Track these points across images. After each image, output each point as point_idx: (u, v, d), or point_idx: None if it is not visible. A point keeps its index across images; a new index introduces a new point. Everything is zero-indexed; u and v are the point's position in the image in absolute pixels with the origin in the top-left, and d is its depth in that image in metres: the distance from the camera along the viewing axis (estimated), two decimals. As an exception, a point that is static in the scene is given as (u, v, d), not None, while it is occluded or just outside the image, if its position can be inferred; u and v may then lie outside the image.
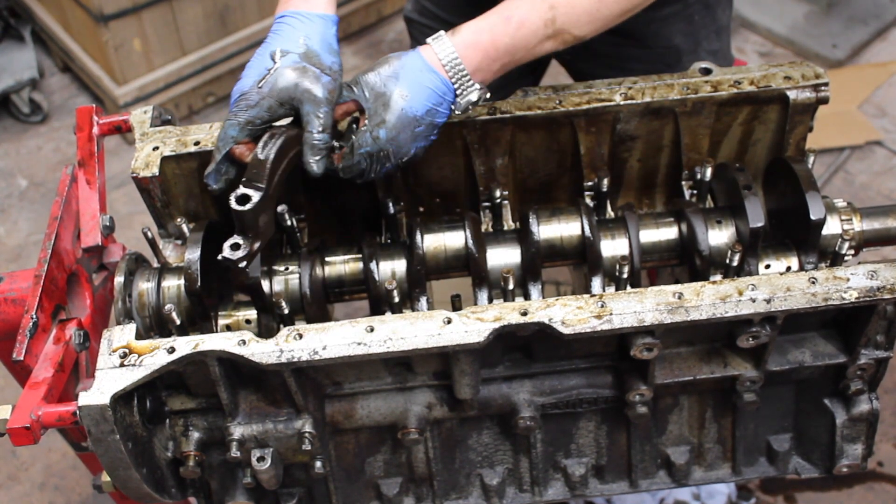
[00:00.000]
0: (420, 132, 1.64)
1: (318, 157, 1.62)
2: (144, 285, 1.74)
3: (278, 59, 1.61)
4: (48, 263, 1.69)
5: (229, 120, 1.63)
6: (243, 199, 1.54)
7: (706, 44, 2.28)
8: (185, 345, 1.52)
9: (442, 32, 1.65)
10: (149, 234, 1.75)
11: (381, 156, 1.63)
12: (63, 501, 3.24)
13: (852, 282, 1.55)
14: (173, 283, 1.75)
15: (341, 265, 1.81)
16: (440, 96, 1.63)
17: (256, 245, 1.56)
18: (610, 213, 1.91)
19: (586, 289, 1.75)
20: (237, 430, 1.61)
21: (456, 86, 1.64)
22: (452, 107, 1.66)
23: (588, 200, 1.89)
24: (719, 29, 2.30)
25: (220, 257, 1.55)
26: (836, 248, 1.71)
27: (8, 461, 3.34)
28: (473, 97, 1.65)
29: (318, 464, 1.66)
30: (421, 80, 1.61)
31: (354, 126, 1.67)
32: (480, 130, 1.85)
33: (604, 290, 1.74)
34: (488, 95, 1.68)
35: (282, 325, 1.67)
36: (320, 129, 1.61)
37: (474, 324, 1.52)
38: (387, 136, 1.62)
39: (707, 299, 1.54)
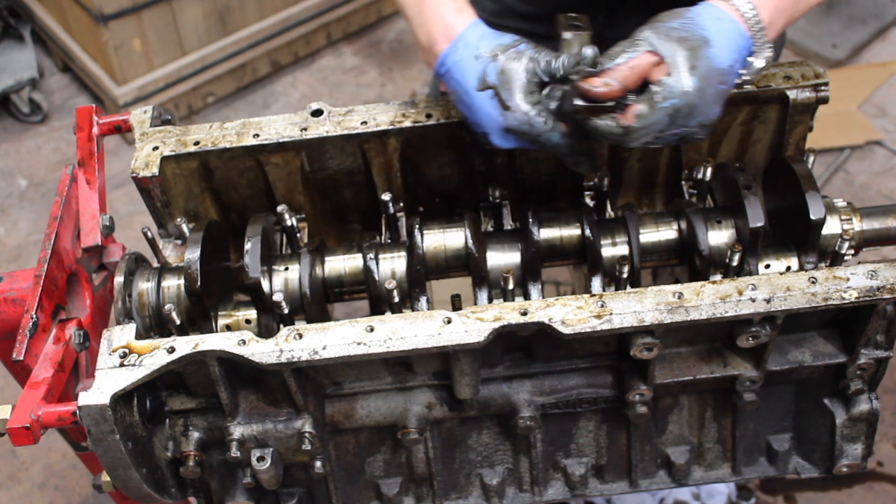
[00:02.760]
0: (722, 91, 1.47)
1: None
2: (144, 285, 1.74)
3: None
4: (48, 263, 1.68)
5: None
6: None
7: None
8: (185, 345, 1.52)
9: None
10: (149, 234, 1.75)
11: (685, 113, 1.45)
12: (63, 501, 3.25)
13: (852, 282, 1.55)
14: (173, 283, 1.75)
15: (341, 265, 1.81)
16: (741, 49, 1.48)
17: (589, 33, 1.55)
18: (610, 212, 1.91)
19: (586, 289, 1.75)
20: (237, 430, 1.61)
21: (753, 41, 1.49)
22: (743, 71, 1.50)
23: (588, 200, 1.89)
24: None
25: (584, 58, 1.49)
26: (836, 248, 1.71)
27: (8, 461, 3.34)
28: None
29: (318, 464, 1.66)
30: (724, 27, 1.46)
31: (648, 84, 1.47)
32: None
33: (604, 290, 1.74)
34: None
35: (282, 325, 1.67)
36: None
37: (474, 324, 1.52)
38: (696, 86, 1.44)
39: (707, 299, 1.54)
